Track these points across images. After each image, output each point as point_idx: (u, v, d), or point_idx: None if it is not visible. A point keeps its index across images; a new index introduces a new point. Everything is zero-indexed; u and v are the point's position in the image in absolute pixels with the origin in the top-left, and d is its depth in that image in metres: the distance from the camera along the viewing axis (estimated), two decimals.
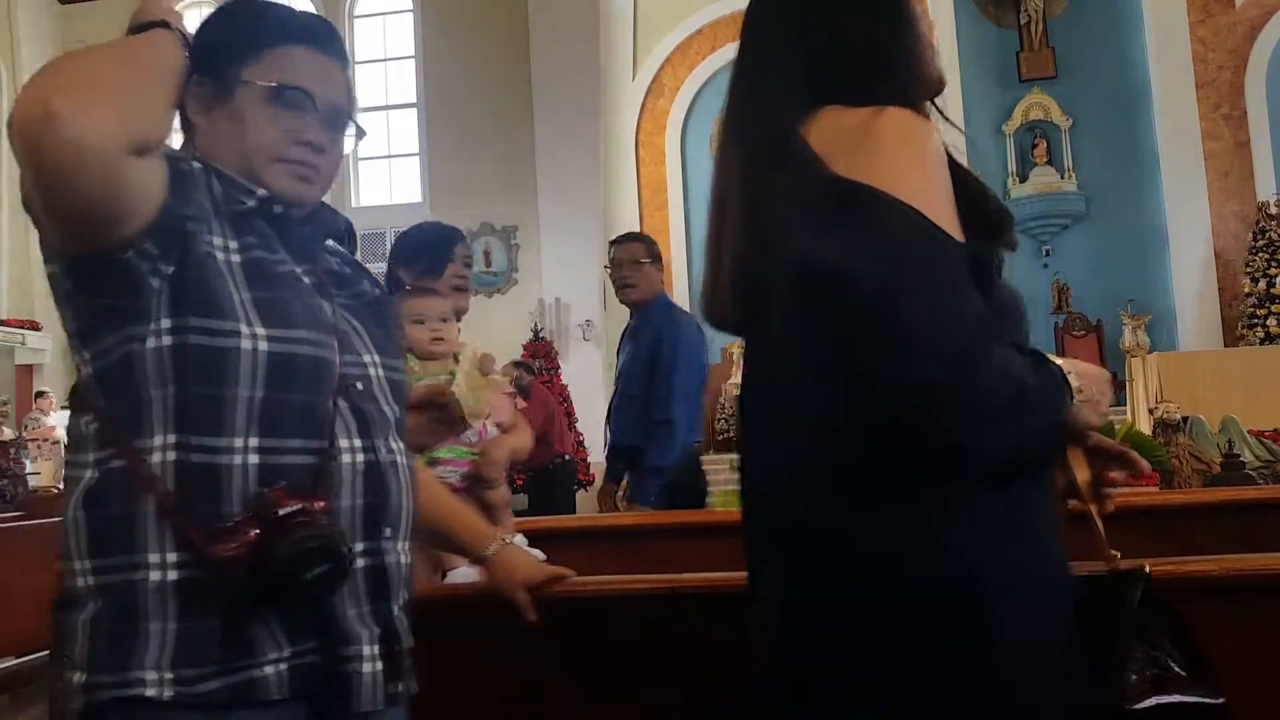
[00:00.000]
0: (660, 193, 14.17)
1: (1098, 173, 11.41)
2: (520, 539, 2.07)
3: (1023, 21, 12.98)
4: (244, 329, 0.99)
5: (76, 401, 1.05)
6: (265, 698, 0.97)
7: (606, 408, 3.70)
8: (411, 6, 13.45)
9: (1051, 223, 11.38)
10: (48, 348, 13.21)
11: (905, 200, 0.94)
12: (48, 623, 1.02)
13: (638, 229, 14.17)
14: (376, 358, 1.13)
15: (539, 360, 10.05)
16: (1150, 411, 7.49)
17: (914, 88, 1.11)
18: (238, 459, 0.98)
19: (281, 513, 0.94)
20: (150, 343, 0.98)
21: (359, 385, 1.09)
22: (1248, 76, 11.84)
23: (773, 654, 1.05)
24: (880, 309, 0.92)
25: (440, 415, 1.92)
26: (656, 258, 3.56)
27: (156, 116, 0.98)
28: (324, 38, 1.17)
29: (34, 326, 13.08)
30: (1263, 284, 9.88)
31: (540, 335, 11.03)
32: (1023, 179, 12.75)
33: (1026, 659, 0.92)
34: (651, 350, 3.38)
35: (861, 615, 0.95)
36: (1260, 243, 10.10)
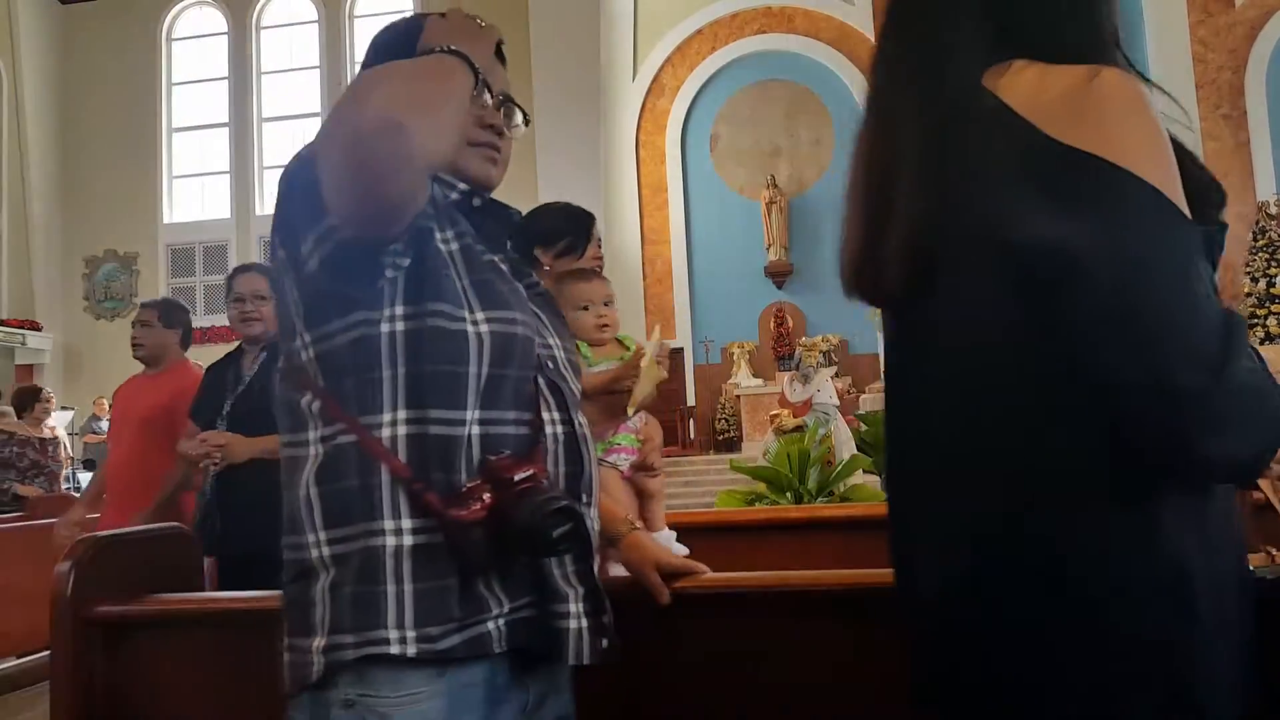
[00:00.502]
0: (661, 192, 14.18)
1: None
2: (669, 533, 2.08)
3: None
4: (467, 314, 1.06)
5: (290, 382, 1.09)
6: (490, 650, 1.02)
7: None
8: (412, 8, 13.46)
9: None
10: (47, 348, 13.22)
11: (1141, 176, 0.85)
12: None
13: (638, 228, 14.19)
14: (556, 339, 1.20)
15: None
16: None
17: (1110, 41, 0.99)
18: (468, 430, 1.04)
19: (517, 478, 1.01)
20: (385, 327, 1.04)
21: (550, 364, 1.15)
22: (1248, 76, 11.86)
23: (953, 656, 0.97)
24: (1125, 302, 0.83)
25: (615, 402, 1.92)
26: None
27: (456, 138, 1.07)
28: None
29: (34, 327, 13.09)
30: (1263, 284, 9.90)
31: None
32: None
33: (1239, 663, 0.90)
34: None
35: (1079, 620, 0.89)
36: (1260, 243, 10.11)
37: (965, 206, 0.92)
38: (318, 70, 13.77)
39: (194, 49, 14.21)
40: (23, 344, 12.93)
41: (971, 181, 0.92)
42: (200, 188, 14.04)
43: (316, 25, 13.83)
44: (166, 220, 13.80)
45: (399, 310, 1.04)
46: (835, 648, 1.42)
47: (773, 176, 13.68)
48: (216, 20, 14.14)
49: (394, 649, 0.98)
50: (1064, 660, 0.89)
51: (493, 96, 1.21)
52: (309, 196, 1.03)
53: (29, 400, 5.79)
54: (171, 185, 13.98)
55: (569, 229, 2.26)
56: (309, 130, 13.71)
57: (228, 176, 13.79)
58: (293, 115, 13.88)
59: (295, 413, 1.08)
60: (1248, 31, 12.03)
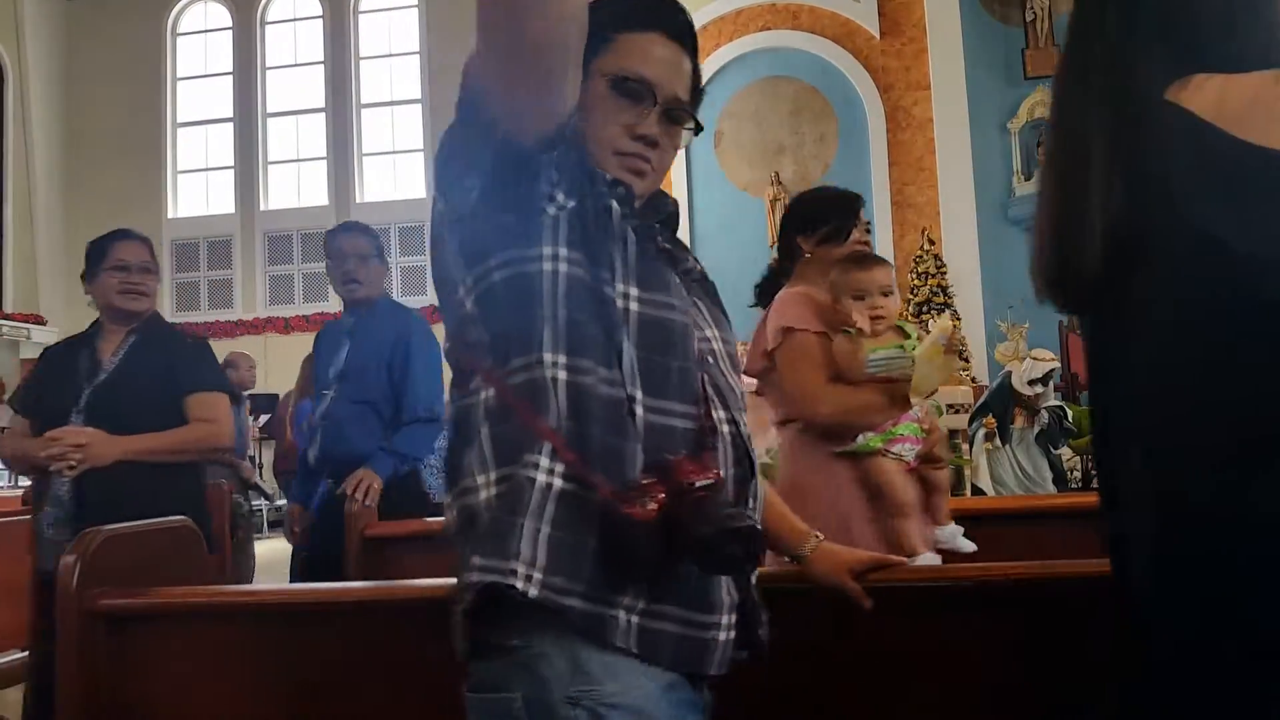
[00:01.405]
0: (664, 188, 14.15)
1: None
2: (955, 527, 2.05)
3: (1028, 19, 12.94)
4: (620, 285, 1.03)
5: (458, 338, 1.09)
6: (612, 641, 0.96)
7: (310, 414, 3.21)
8: (416, 2, 13.45)
9: None
10: (52, 342, 13.23)
11: None
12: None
13: None
14: (715, 331, 1.15)
15: None
16: None
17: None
18: (633, 405, 1.00)
19: (698, 484, 0.96)
20: (546, 266, 1.02)
21: (710, 359, 1.10)
22: None
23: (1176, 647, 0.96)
24: None
25: (896, 390, 1.89)
26: (383, 253, 3.21)
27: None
28: (681, 28, 1.18)
29: (39, 321, 13.11)
30: None
31: None
32: (1028, 177, 12.71)
33: None
34: (394, 350, 3.03)
35: None
36: None
37: (1163, 205, 0.96)
38: (322, 66, 13.76)
39: (199, 44, 14.21)
40: (27, 338, 12.94)
41: (1167, 181, 0.96)
42: (205, 183, 14.04)
43: (321, 20, 13.81)
44: (170, 215, 13.81)
45: (561, 252, 1.02)
46: (834, 644, 1.42)
47: (777, 173, 13.65)
48: (221, 15, 14.13)
49: (518, 583, 0.95)
50: None
51: (656, 103, 1.14)
52: (467, 130, 1.02)
53: None
54: (176, 180, 13.98)
55: (832, 213, 2.19)
56: (314, 125, 13.73)
57: (232, 172, 13.78)
58: (297, 110, 13.87)
59: (463, 366, 1.06)
60: None
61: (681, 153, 11.19)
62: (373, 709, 1.60)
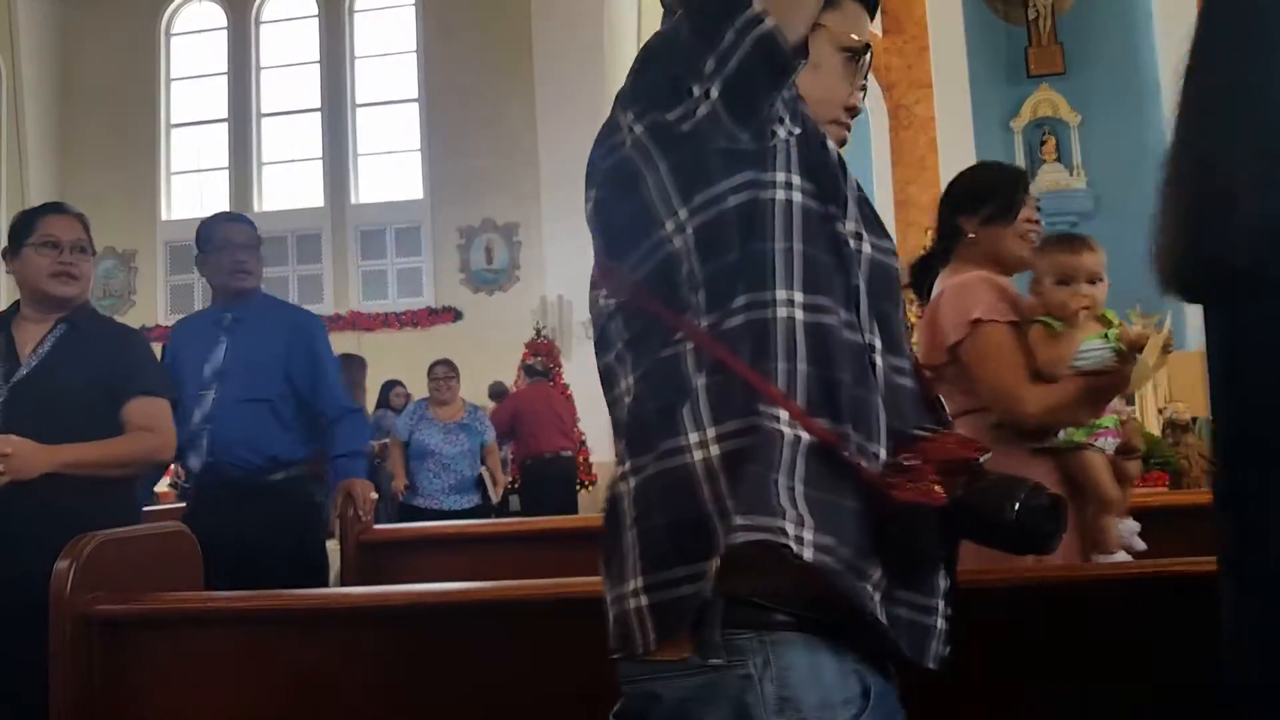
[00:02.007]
0: None
1: (1107, 170, 11.39)
2: (1131, 524, 1.95)
3: (1031, 18, 12.93)
4: (849, 224, 0.96)
5: (659, 281, 0.97)
6: (868, 606, 0.88)
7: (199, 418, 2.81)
8: (412, 1, 13.43)
9: (1060, 220, 11.36)
10: None
11: None
12: None
13: None
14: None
15: (539, 358, 10.04)
16: (1159, 411, 7.47)
17: None
18: (863, 340, 0.93)
19: (980, 461, 0.89)
20: (780, 195, 0.93)
21: None
22: None
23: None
24: None
25: (1108, 384, 1.82)
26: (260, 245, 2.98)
27: None
28: (873, 7, 1.18)
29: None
30: None
31: (542, 333, 11.01)
32: (1031, 176, 12.71)
33: None
34: (291, 346, 2.84)
35: None
36: None
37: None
38: (318, 65, 13.73)
39: (193, 44, 14.17)
40: None
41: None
42: (199, 184, 14.01)
43: (316, 20, 13.79)
44: (165, 217, 13.77)
45: (795, 180, 0.93)
46: None
47: None
48: (216, 15, 14.10)
49: (790, 543, 0.84)
50: None
51: (865, 80, 1.12)
52: (708, 25, 0.94)
53: None
54: (170, 182, 13.95)
55: (998, 189, 2.03)
56: (309, 125, 13.70)
57: (227, 173, 13.75)
58: (293, 110, 13.84)
59: (657, 315, 0.94)
60: None
61: None
62: (366, 714, 1.58)
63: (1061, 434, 1.94)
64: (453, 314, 12.74)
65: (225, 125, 13.80)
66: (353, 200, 13.41)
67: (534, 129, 12.35)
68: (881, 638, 0.89)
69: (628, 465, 0.96)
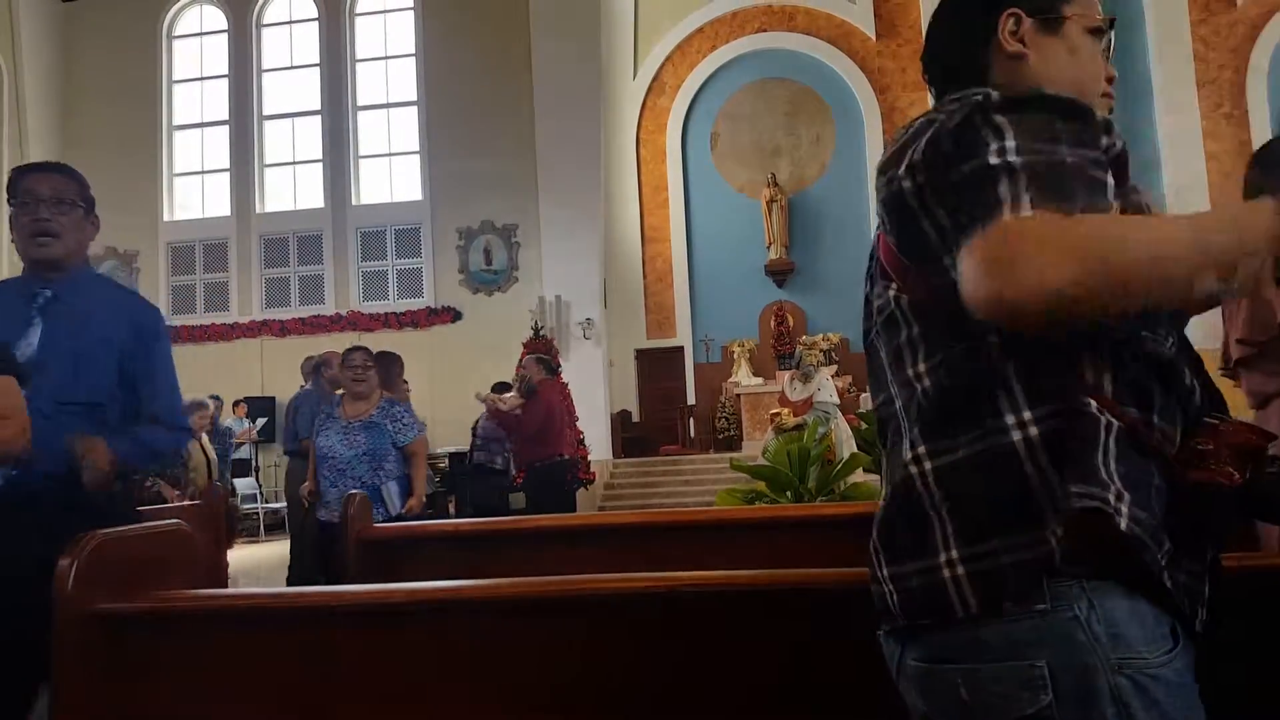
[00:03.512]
0: (661, 190, 14.17)
1: None
2: None
3: None
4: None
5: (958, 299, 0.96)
6: (1156, 575, 0.94)
7: None
8: (412, 4, 13.45)
9: None
10: None
11: None
12: None
13: (639, 227, 14.18)
14: None
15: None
16: None
17: None
18: (1157, 332, 0.99)
19: (1272, 450, 0.95)
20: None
21: None
22: (1249, 76, 11.84)
23: None
24: None
25: None
26: (92, 205, 2.34)
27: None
28: None
29: None
30: None
31: (540, 333, 11.03)
32: None
33: None
34: (132, 338, 2.25)
35: None
36: None
37: None
38: (318, 68, 13.76)
39: (194, 47, 14.21)
40: None
41: None
42: (200, 186, 14.03)
43: (317, 23, 13.81)
44: (167, 218, 13.80)
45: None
46: (831, 643, 1.42)
47: (773, 175, 13.67)
48: (217, 18, 14.13)
49: (1113, 511, 0.91)
50: None
51: (1111, 55, 1.19)
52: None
53: None
54: (172, 183, 13.97)
55: None
56: (309, 128, 13.73)
57: (228, 175, 13.78)
58: (293, 113, 13.87)
59: (959, 317, 0.95)
60: (1249, 31, 12.01)
61: (679, 154, 11.20)
62: (368, 711, 1.59)
63: None
64: (452, 314, 12.76)
65: (226, 127, 13.83)
66: (353, 202, 13.44)
67: (532, 131, 12.38)
68: (1164, 598, 0.95)
69: (922, 449, 1.02)
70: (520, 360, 6.44)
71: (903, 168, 1.02)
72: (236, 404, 11.26)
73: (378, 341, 12.22)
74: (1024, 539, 0.93)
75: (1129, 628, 0.92)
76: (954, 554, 0.97)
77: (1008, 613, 0.93)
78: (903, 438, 1.06)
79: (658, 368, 13.96)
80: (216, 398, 8.65)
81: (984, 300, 0.86)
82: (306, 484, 4.60)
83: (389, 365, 5.54)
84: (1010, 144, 0.94)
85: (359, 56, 13.75)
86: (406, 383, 5.88)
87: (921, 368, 1.04)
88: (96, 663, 1.66)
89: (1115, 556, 0.93)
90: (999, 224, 0.89)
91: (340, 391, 4.56)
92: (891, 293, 1.08)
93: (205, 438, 6.30)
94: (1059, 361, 0.96)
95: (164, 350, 2.35)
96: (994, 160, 0.94)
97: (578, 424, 10.44)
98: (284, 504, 7.98)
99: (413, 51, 13.41)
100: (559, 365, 10.53)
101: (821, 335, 12.88)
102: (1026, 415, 0.97)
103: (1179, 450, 0.97)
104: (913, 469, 1.02)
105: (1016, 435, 0.97)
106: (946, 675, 0.97)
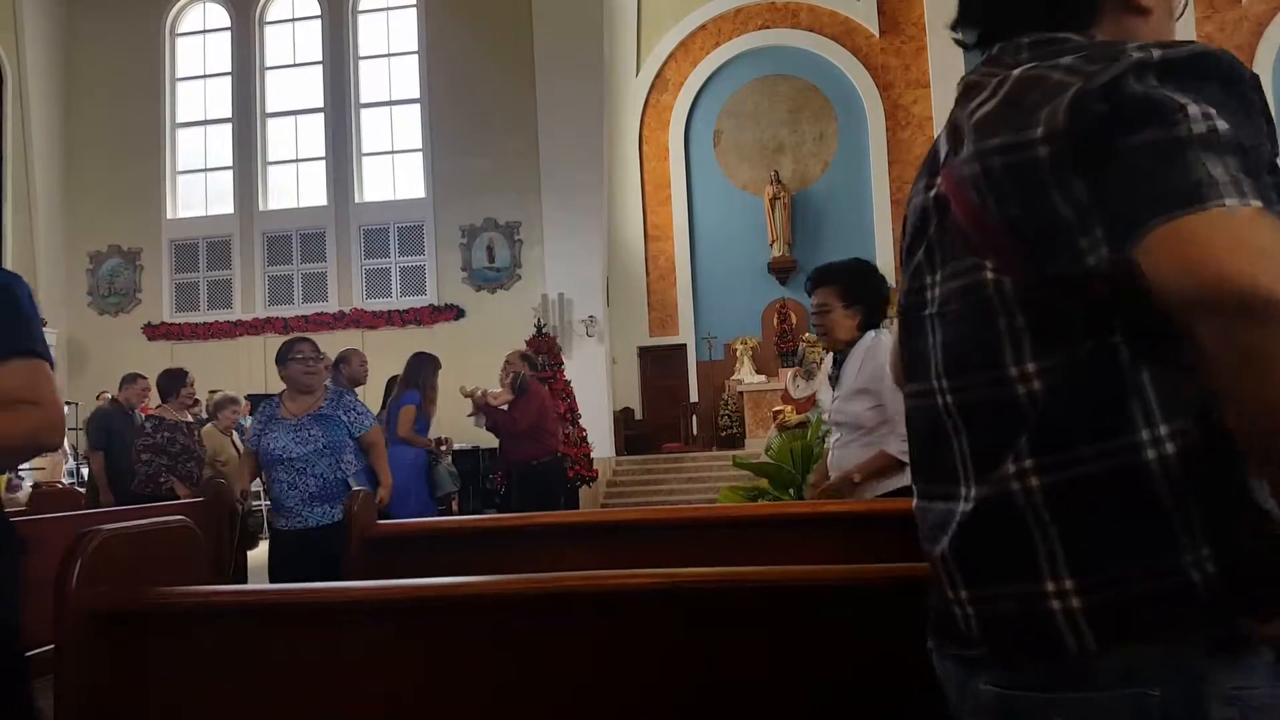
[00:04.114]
0: (664, 188, 14.17)
1: None
2: None
3: None
4: None
5: (1071, 294, 0.88)
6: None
7: None
8: (415, 1, 13.45)
9: None
10: (52, 343, 13.12)
11: None
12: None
13: (641, 224, 14.18)
14: None
15: (542, 355, 10.07)
16: None
17: None
18: None
19: None
20: None
21: None
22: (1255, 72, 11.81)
23: None
24: None
25: None
26: None
27: None
28: None
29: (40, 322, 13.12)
30: None
31: (543, 331, 11.04)
32: None
33: None
34: None
35: None
36: None
37: None
38: (321, 65, 13.77)
39: (197, 44, 14.22)
40: None
41: None
42: (204, 183, 14.05)
43: (320, 20, 13.82)
44: (170, 215, 13.82)
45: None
46: (834, 643, 1.42)
47: (776, 172, 13.66)
48: (220, 16, 14.14)
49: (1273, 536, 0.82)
50: None
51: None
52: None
53: (175, 384, 5.52)
54: (175, 180, 13.99)
55: None
56: (312, 125, 13.74)
57: (231, 172, 13.80)
58: (296, 110, 13.88)
59: (1071, 312, 0.88)
60: (1254, 27, 11.99)
61: (681, 151, 11.19)
62: (371, 710, 1.60)
63: None
64: (455, 312, 12.78)
65: (229, 125, 13.85)
66: (356, 199, 13.46)
67: (534, 128, 12.39)
68: None
69: (1029, 462, 0.90)
70: (506, 359, 6.25)
71: (1038, 131, 0.86)
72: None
73: (381, 339, 12.25)
74: (1155, 569, 0.84)
75: (1247, 656, 0.84)
76: (1066, 584, 0.87)
77: (1132, 643, 0.84)
78: (975, 444, 0.95)
79: (660, 365, 13.97)
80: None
81: (1228, 298, 0.73)
82: (239, 484, 4.38)
83: (422, 366, 5.45)
84: (1205, 115, 0.80)
85: (362, 54, 13.76)
86: (434, 388, 5.61)
87: (1030, 367, 0.91)
88: (99, 660, 1.66)
89: (1259, 583, 0.84)
90: (1228, 213, 0.76)
91: (280, 391, 4.17)
92: (988, 274, 0.93)
93: (237, 435, 6.22)
94: (1195, 371, 0.83)
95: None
96: (1187, 132, 0.80)
97: (580, 421, 10.45)
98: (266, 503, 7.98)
99: (415, 49, 13.42)
100: (557, 364, 10.54)
101: None
102: (1163, 430, 0.86)
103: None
104: (1015, 484, 0.91)
105: (1151, 453, 0.86)
106: (1036, 704, 0.88)
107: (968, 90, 0.99)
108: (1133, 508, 0.86)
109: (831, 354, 3.08)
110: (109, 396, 7.52)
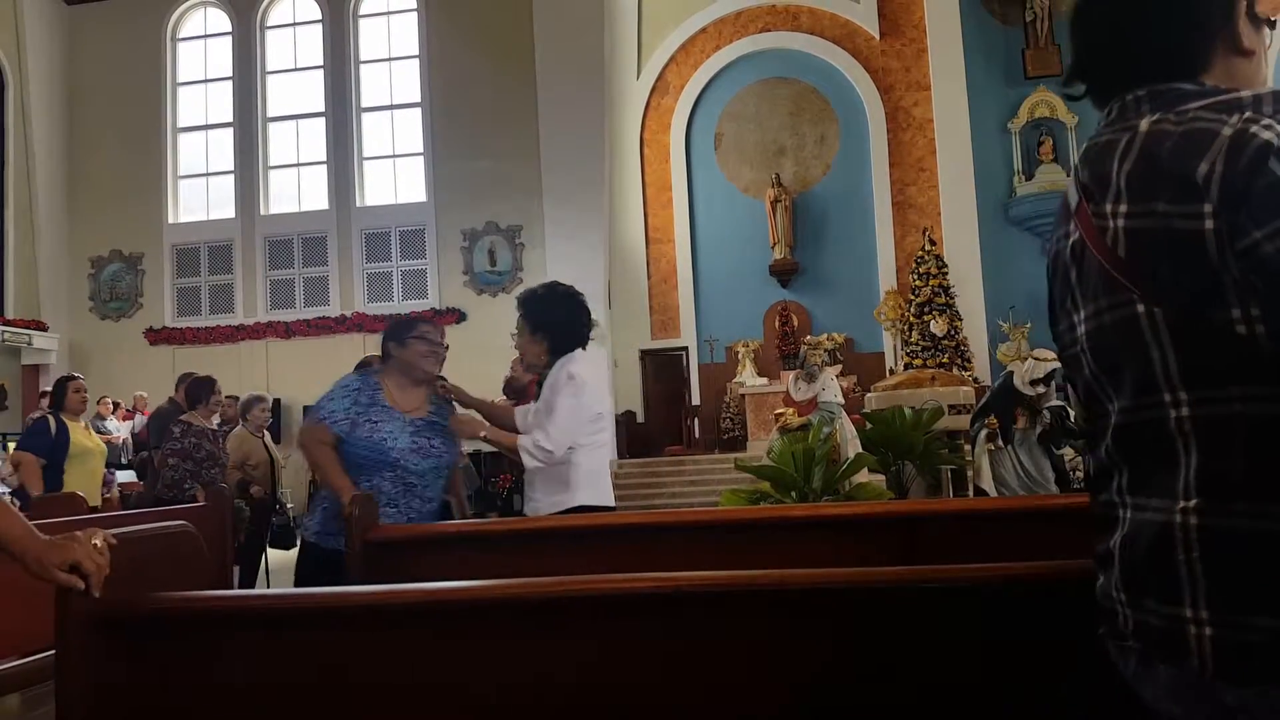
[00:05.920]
0: (665, 191, 14.17)
1: None
2: None
3: (1028, 19, 12.95)
4: None
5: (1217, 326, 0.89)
6: None
7: None
8: (416, 6, 13.47)
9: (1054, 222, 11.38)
10: (53, 347, 13.25)
11: None
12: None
13: (642, 227, 14.18)
14: None
15: None
16: None
17: None
18: None
19: None
20: None
21: None
22: None
23: None
24: None
25: None
26: None
27: None
28: None
29: (40, 327, 13.13)
30: None
31: None
32: (1028, 176, 12.72)
33: None
34: None
35: None
36: None
37: None
38: (322, 70, 13.79)
39: (199, 49, 14.25)
40: (29, 344, 12.97)
41: None
42: (205, 188, 14.07)
43: (321, 25, 13.84)
44: (171, 220, 13.83)
45: None
46: (834, 645, 1.42)
47: (777, 175, 13.67)
48: (221, 20, 14.16)
49: None
50: None
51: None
52: None
53: (203, 392, 5.54)
54: (176, 185, 14.01)
55: None
56: (313, 130, 13.76)
57: (232, 177, 13.81)
58: (298, 115, 13.90)
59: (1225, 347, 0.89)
60: None
61: (682, 154, 11.19)
62: (375, 714, 1.59)
63: None
64: (457, 315, 12.78)
65: (231, 129, 13.87)
66: (357, 203, 13.47)
67: (535, 132, 12.40)
68: None
69: (1194, 502, 0.92)
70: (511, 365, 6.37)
71: (1206, 205, 0.87)
72: None
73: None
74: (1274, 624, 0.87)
75: None
76: (1203, 614, 0.91)
77: (1244, 684, 0.88)
78: (1148, 470, 0.97)
79: (662, 368, 13.96)
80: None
81: None
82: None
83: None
84: None
85: (363, 58, 13.78)
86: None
87: (1185, 412, 0.92)
88: (102, 664, 1.66)
89: None
90: None
91: (374, 371, 3.13)
92: (1139, 308, 0.94)
93: (268, 435, 6.19)
94: None
95: None
96: None
97: None
98: (291, 505, 7.98)
99: (416, 53, 13.44)
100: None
101: (826, 335, 12.85)
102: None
103: None
104: (1177, 518, 0.93)
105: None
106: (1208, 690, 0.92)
107: (1103, 150, 0.99)
108: (1269, 569, 0.88)
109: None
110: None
